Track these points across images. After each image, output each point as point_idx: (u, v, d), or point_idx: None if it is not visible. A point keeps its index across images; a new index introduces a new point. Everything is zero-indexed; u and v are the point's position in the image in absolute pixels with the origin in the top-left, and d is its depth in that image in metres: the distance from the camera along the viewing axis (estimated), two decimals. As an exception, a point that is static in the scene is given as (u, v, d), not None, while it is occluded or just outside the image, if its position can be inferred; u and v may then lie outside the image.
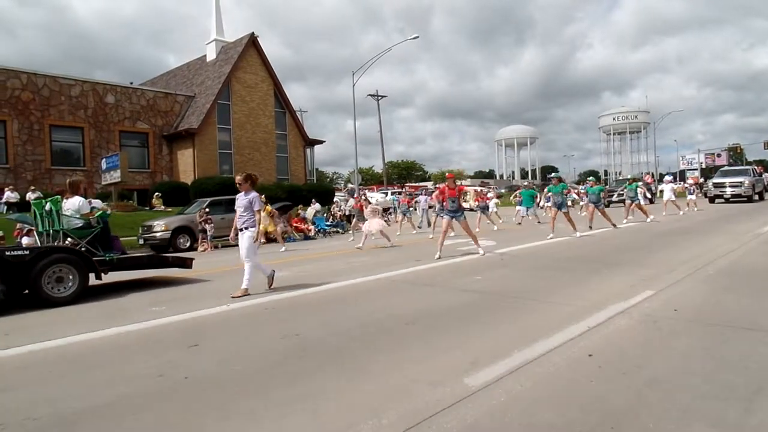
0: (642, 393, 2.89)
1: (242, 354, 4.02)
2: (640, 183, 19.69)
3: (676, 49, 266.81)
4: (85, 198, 7.74)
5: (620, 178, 59.20)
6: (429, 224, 19.69)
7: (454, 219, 9.87)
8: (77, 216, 7.39)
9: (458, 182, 11.07)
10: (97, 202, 8.74)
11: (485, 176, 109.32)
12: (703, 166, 73.33)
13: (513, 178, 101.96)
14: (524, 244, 11.12)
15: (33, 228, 15.66)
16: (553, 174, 14.63)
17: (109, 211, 8.68)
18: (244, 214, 6.69)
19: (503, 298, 5.71)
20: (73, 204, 7.42)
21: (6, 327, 5.49)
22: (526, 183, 36.56)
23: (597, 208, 14.97)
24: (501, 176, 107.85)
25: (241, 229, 6.71)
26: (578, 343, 3.84)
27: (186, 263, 8.75)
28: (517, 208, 19.90)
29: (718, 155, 73.95)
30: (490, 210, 21.64)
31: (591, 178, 20.89)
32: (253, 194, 6.76)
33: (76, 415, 2.94)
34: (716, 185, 27.36)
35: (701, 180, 51.86)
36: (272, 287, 6.85)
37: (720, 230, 12.58)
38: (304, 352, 3.96)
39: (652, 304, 5.01)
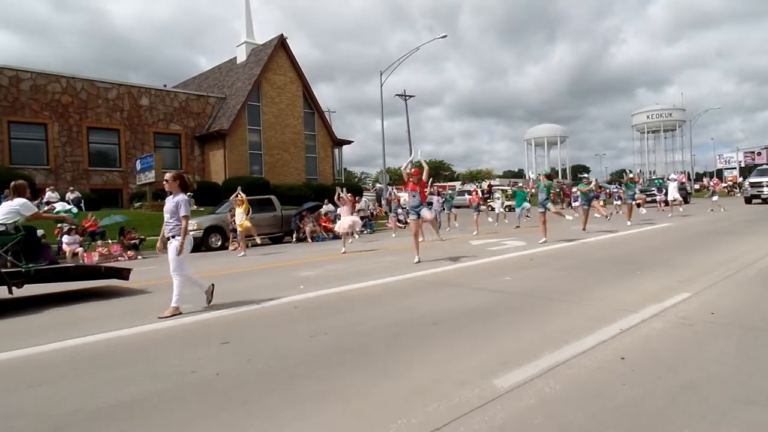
0: (677, 397, 2.81)
1: (272, 352, 4.07)
2: (638, 183, 19.37)
3: (713, 43, 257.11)
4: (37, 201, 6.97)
5: (654, 177, 57.74)
6: (440, 225, 19.68)
7: (419, 217, 9.52)
8: None
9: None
10: (61, 205, 7.99)
11: (514, 175, 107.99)
12: (743, 164, 70.90)
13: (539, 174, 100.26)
14: (555, 245, 10.95)
15: (74, 227, 16.25)
16: (541, 171, 14.19)
17: (74, 211, 8.04)
18: (171, 220, 5.87)
19: (533, 299, 5.64)
20: (2, 208, 6.79)
21: (43, 323, 5.70)
22: (520, 184, 35.81)
23: (582, 209, 14.78)
24: (531, 176, 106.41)
25: (169, 238, 5.89)
26: (610, 345, 3.77)
27: (122, 274, 7.73)
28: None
29: (758, 153, 71.44)
30: (496, 210, 21.57)
31: (585, 175, 20.30)
32: (181, 197, 5.87)
33: (110, 409, 3.03)
34: (753, 185, 26.30)
35: (740, 179, 50.09)
36: (211, 304, 5.99)
37: (759, 232, 12.15)
38: (332, 351, 3.99)
39: (688, 307, 4.87)
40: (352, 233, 12.73)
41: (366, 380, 3.29)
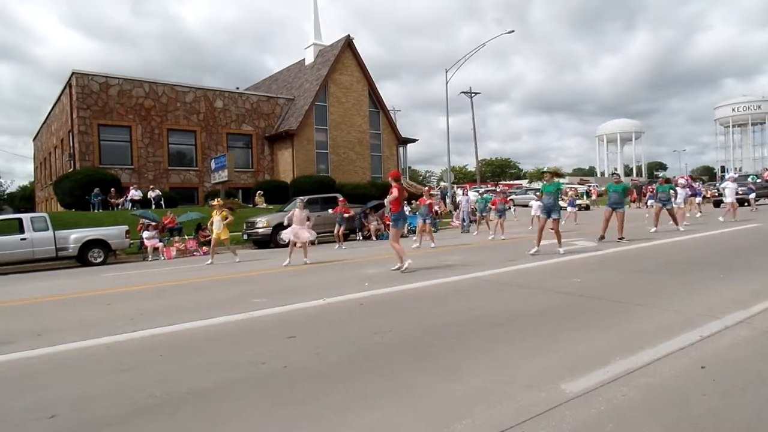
0: (764, 411, 2.62)
1: (337, 347, 4.16)
2: (674, 184, 16.73)
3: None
4: None
5: (740, 173, 53.77)
6: (469, 228, 19.22)
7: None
8: None
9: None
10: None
11: (585, 173, 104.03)
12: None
13: (613, 173, 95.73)
14: (628, 246, 10.46)
15: (154, 223, 17.30)
16: (545, 168, 11.37)
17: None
18: None
19: (604, 301, 5.42)
20: None
21: (132, 312, 6.11)
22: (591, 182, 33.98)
23: (616, 212, 12.03)
24: (602, 173, 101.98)
25: None
26: (689, 353, 3.56)
27: None
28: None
29: None
30: (567, 209, 20.52)
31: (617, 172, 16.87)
32: None
33: (189, 395, 3.21)
34: None
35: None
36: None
37: None
38: (397, 348, 4.02)
39: (779, 315, 4.51)
40: (312, 243, 11.32)
41: (431, 379, 3.29)
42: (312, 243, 11.26)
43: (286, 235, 11.45)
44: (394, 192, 8.55)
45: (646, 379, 3.11)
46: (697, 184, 23.89)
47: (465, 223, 19.81)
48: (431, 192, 14.34)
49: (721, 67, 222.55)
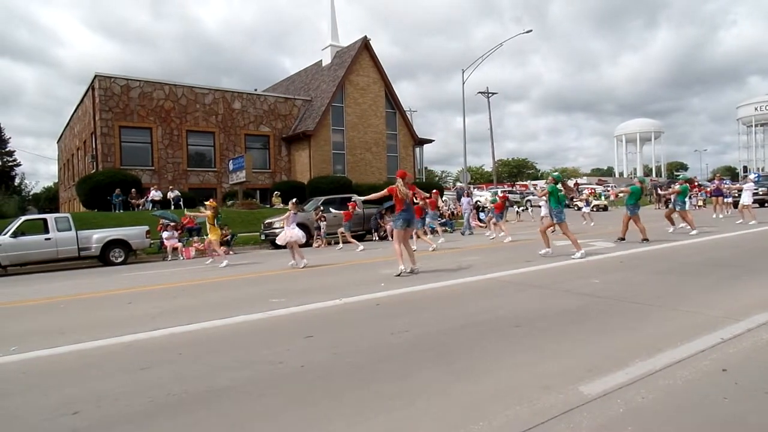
0: (788, 416, 2.57)
1: (354, 347, 4.18)
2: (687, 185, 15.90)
3: None
4: None
5: (762, 173, 52.64)
6: (472, 230, 19.03)
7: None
8: None
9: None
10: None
11: (603, 174, 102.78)
12: None
13: (634, 175, 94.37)
14: (647, 247, 10.32)
15: (173, 223, 17.52)
16: (550, 172, 11.06)
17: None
18: None
19: (622, 303, 5.36)
20: None
21: (152, 311, 6.21)
22: (611, 183, 33.16)
23: (631, 217, 11.77)
24: (621, 174, 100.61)
25: None
26: (709, 355, 3.50)
27: None
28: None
29: None
30: (582, 210, 20.05)
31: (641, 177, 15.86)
32: None
33: (207, 393, 3.25)
34: None
35: None
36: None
37: None
38: (414, 349, 4.02)
39: (804, 318, 4.41)
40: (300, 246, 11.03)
41: (447, 380, 3.29)
42: (303, 244, 11.14)
43: (280, 240, 11.16)
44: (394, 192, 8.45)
45: (666, 381, 3.07)
46: (724, 182, 22.82)
47: (466, 224, 19.72)
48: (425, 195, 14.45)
49: (745, 65, 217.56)
